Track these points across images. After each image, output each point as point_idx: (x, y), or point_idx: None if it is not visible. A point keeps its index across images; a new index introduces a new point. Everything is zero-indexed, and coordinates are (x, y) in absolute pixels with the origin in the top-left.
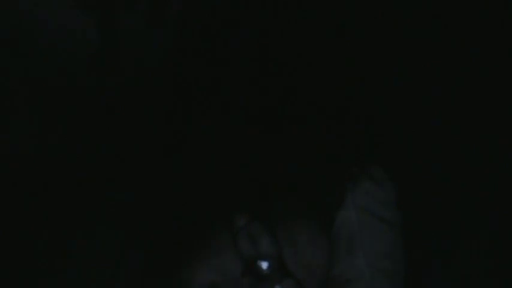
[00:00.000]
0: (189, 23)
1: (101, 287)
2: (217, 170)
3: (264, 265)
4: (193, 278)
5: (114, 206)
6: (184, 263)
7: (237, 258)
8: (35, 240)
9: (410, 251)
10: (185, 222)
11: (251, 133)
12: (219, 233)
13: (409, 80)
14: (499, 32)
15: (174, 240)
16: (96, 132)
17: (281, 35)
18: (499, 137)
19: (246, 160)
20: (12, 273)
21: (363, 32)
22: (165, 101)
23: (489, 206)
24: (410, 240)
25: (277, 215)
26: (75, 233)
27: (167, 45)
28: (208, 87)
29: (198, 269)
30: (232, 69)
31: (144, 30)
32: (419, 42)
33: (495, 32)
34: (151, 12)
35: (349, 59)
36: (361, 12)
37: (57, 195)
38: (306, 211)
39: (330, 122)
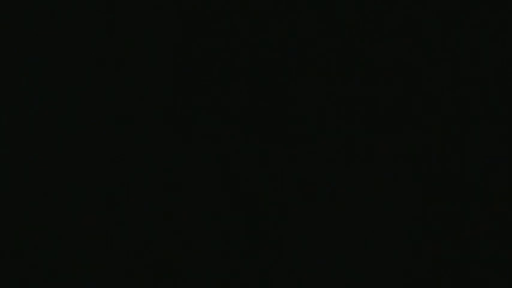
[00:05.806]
0: (190, 24)
1: (102, 287)
2: (216, 169)
3: None
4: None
5: (114, 205)
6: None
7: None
8: (35, 241)
9: (412, 250)
10: (184, 221)
11: (249, 134)
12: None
13: (408, 79)
14: (499, 32)
15: (174, 239)
16: (96, 132)
17: (280, 35)
18: (498, 137)
19: (245, 160)
20: (12, 272)
21: (363, 32)
22: (165, 100)
23: (489, 206)
24: (411, 239)
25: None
26: (75, 233)
27: (168, 45)
28: (208, 87)
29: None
30: (231, 69)
31: (144, 30)
32: (419, 42)
33: (495, 31)
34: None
35: (349, 59)
36: (361, 12)
37: (56, 195)
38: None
39: (331, 121)
